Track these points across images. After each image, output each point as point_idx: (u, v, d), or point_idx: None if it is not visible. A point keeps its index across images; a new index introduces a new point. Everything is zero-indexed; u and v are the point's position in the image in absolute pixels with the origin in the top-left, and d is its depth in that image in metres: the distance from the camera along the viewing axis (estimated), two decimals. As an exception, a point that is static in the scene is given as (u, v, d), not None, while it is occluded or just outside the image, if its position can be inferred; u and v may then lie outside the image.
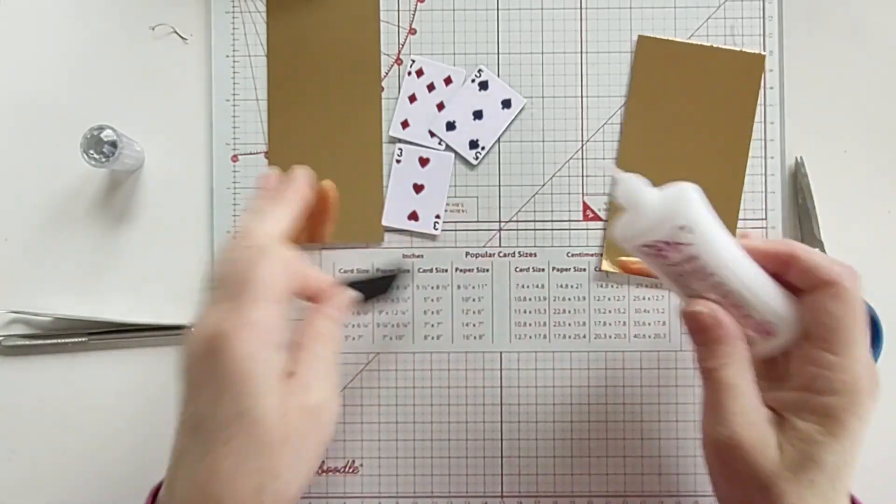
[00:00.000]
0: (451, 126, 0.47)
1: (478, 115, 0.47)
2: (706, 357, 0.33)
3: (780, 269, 0.34)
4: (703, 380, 0.34)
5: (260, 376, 0.30)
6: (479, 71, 0.47)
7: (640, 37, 0.48)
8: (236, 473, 0.30)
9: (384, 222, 0.48)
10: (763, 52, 0.48)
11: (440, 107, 0.47)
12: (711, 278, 0.33)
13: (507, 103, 0.47)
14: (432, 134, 0.47)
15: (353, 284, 0.39)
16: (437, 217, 0.47)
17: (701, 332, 0.33)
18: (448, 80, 0.47)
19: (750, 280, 0.33)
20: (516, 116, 0.48)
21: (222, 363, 0.30)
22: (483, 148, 0.47)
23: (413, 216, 0.47)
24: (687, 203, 0.32)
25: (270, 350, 0.31)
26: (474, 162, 0.47)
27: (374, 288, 0.41)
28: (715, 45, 0.48)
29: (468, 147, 0.47)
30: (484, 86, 0.47)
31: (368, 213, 0.48)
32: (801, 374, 0.32)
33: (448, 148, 0.48)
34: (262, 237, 0.34)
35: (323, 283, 0.37)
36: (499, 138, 0.47)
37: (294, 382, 0.32)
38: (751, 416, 0.32)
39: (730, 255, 0.33)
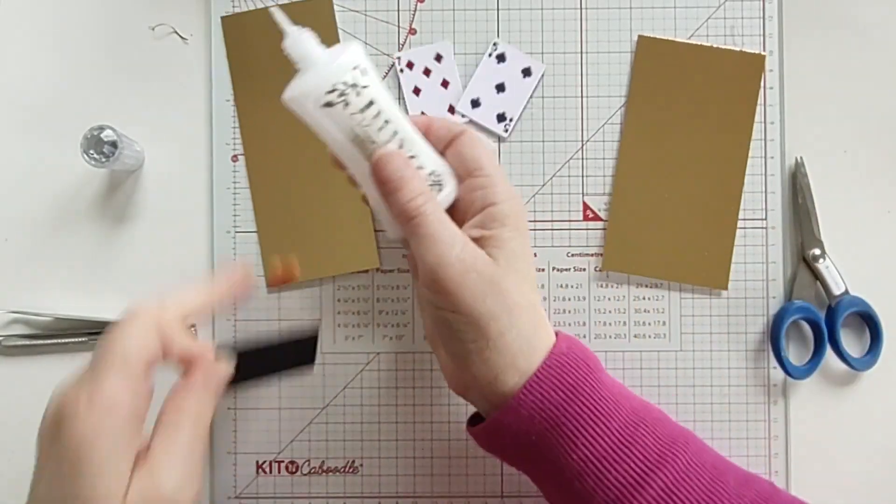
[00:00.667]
0: (476, 103, 0.47)
1: (500, 87, 0.47)
2: (405, 197, 0.34)
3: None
4: (407, 224, 0.35)
5: (99, 456, 0.28)
6: (495, 44, 0.47)
7: (640, 37, 0.48)
8: None
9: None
10: (763, 53, 0.48)
11: (445, 83, 0.47)
12: (388, 126, 0.35)
13: (527, 72, 0.47)
14: (453, 111, 0.48)
15: (245, 354, 0.36)
16: None
17: (396, 172, 0.35)
18: (438, 57, 0.47)
19: (414, 133, 0.36)
20: (538, 83, 0.48)
21: (62, 440, 0.29)
22: (511, 119, 0.47)
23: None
24: (355, 50, 0.34)
25: (118, 427, 0.29)
26: (504, 134, 0.48)
27: (275, 356, 0.38)
28: (715, 46, 0.48)
29: (496, 121, 0.47)
30: (501, 58, 0.47)
31: (362, 239, 0.47)
32: (475, 203, 0.37)
33: (475, 125, 0.48)
34: (141, 309, 0.32)
35: (194, 350, 0.34)
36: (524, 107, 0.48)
37: (144, 466, 0.30)
38: (462, 237, 0.35)
39: (395, 106, 0.36)
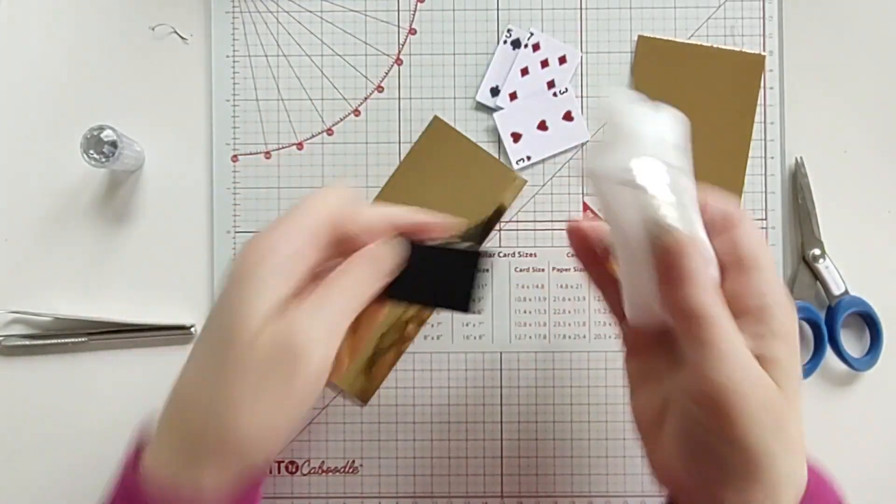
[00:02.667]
0: (495, 91, 0.48)
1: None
2: (698, 293, 0.29)
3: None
4: (682, 320, 0.30)
5: (250, 283, 0.30)
6: (509, 30, 0.47)
7: (639, 37, 0.48)
8: (198, 387, 0.31)
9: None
10: (763, 53, 0.48)
11: (551, 84, 0.47)
12: (682, 211, 0.30)
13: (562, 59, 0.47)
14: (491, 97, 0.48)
15: (420, 248, 0.34)
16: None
17: (689, 264, 0.30)
18: (563, 59, 0.47)
19: (697, 210, 0.32)
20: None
21: (232, 269, 0.31)
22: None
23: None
24: (682, 120, 0.30)
25: (272, 270, 0.30)
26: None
27: (444, 268, 0.35)
28: (715, 46, 0.48)
29: (490, 95, 0.48)
30: (517, 44, 0.48)
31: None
32: (738, 305, 0.31)
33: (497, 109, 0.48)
34: (339, 188, 0.34)
35: (374, 228, 0.34)
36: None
37: (287, 313, 0.30)
38: (750, 357, 0.30)
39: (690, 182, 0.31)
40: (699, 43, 0.48)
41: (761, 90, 0.48)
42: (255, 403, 0.30)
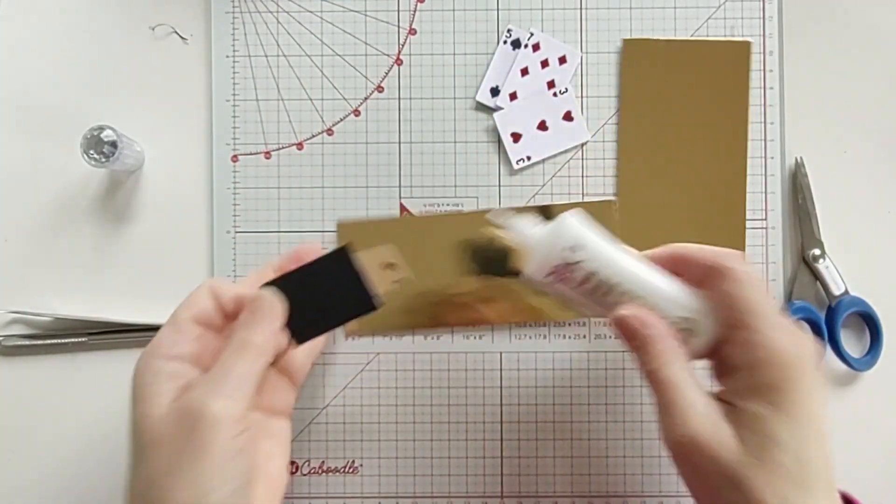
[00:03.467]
0: (495, 91, 0.48)
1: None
2: (645, 360, 0.33)
3: (681, 271, 0.36)
4: (650, 385, 0.34)
5: (145, 385, 0.33)
6: (509, 31, 0.47)
7: (624, 40, 0.48)
8: (128, 480, 0.33)
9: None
10: (749, 39, 0.48)
11: (551, 84, 0.47)
12: (617, 288, 0.35)
13: (562, 59, 0.48)
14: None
15: (284, 280, 0.36)
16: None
17: (632, 335, 0.34)
18: (563, 59, 0.47)
19: (651, 283, 0.35)
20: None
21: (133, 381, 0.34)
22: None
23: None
24: (567, 226, 0.36)
25: (162, 362, 0.34)
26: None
27: (325, 283, 0.36)
28: (699, 38, 0.47)
29: (490, 94, 0.48)
30: (517, 44, 0.47)
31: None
32: (736, 361, 0.32)
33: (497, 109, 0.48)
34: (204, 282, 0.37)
35: (244, 293, 0.37)
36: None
37: (187, 387, 0.33)
38: (701, 410, 0.31)
39: (624, 262, 0.35)
40: (684, 38, 0.48)
41: (761, 90, 0.48)
42: (173, 477, 0.30)
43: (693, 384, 0.32)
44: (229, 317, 0.37)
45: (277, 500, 0.36)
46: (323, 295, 0.36)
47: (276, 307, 0.36)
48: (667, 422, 0.32)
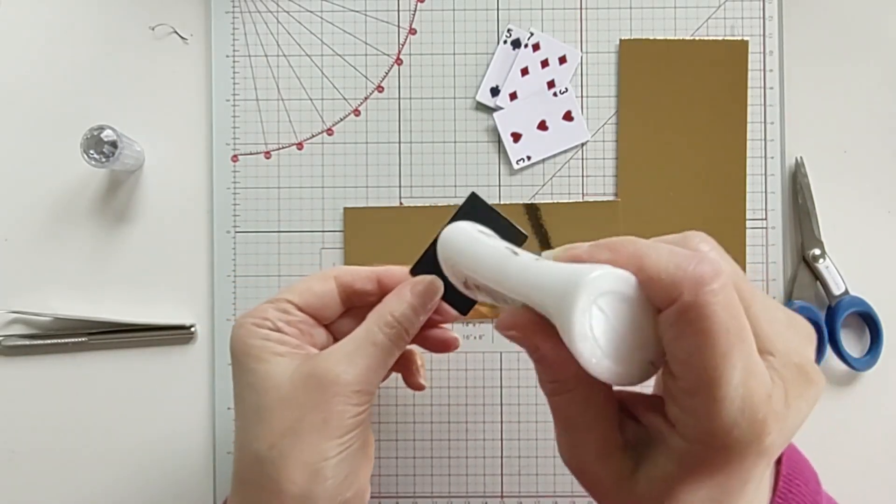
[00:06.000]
0: (495, 91, 0.48)
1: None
2: (539, 379, 0.28)
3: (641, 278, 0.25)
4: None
5: (260, 348, 0.33)
6: (509, 30, 0.47)
7: (621, 40, 0.48)
8: (241, 443, 0.32)
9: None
10: (745, 38, 0.48)
11: (551, 84, 0.48)
12: (489, 288, 0.30)
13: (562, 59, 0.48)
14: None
15: (423, 261, 0.36)
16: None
17: (520, 344, 0.27)
18: (563, 59, 0.47)
19: (509, 278, 0.29)
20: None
21: (231, 351, 0.34)
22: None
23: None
24: (440, 242, 0.34)
25: (261, 335, 0.33)
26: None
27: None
28: (697, 38, 0.48)
29: (490, 94, 0.48)
30: (517, 44, 0.48)
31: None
32: (672, 403, 0.24)
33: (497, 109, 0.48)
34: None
35: (379, 271, 0.36)
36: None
37: (313, 355, 0.33)
38: (593, 447, 0.27)
39: (485, 262, 0.30)
40: (681, 38, 0.48)
41: (761, 90, 0.48)
42: (295, 438, 0.31)
43: (590, 416, 0.26)
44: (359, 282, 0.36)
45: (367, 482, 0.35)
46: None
47: (434, 285, 0.35)
48: (562, 444, 0.28)
